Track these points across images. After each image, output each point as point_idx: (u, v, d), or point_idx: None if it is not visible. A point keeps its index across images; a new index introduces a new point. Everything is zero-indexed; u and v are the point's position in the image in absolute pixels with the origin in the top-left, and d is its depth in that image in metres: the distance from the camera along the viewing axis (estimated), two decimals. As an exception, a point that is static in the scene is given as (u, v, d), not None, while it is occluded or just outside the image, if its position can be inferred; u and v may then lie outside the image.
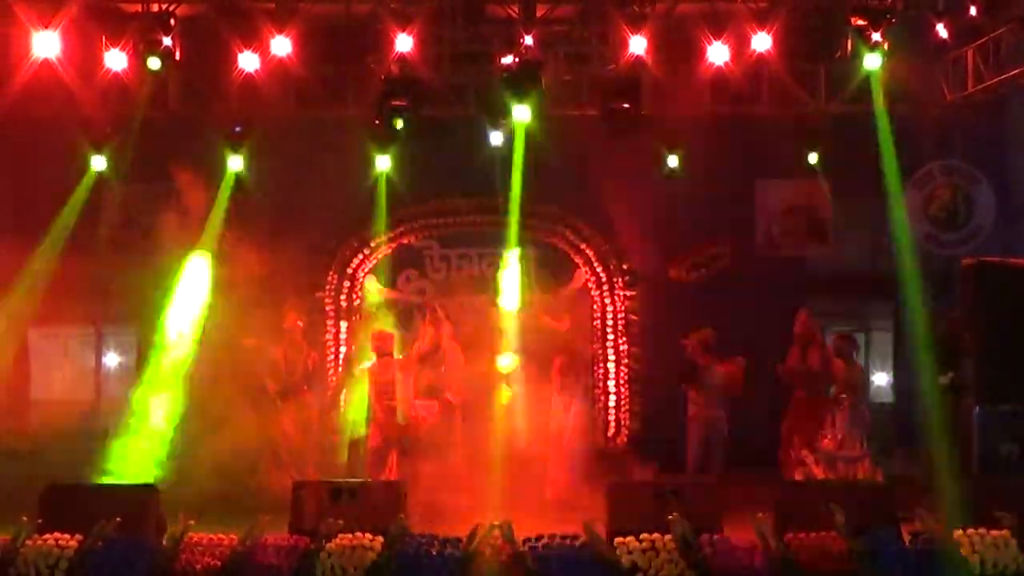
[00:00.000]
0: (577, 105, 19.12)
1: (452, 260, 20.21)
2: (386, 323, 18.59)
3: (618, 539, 13.13)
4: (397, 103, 17.81)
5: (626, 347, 19.63)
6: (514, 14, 17.60)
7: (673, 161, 18.92)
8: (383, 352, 17.69)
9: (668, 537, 13.04)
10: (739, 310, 18.45)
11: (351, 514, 13.60)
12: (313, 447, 18.08)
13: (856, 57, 17.38)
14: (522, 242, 19.02)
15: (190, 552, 12.95)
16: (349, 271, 19.68)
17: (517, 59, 17.34)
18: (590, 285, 19.82)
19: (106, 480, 16.74)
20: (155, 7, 17.16)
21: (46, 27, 16.72)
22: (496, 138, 18.87)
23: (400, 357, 17.80)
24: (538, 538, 13.20)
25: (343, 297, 19.66)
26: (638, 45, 17.29)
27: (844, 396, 17.17)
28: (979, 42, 18.50)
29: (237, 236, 18.06)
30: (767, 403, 17.91)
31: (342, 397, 18.94)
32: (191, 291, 18.41)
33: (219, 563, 12.85)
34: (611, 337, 19.69)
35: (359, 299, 19.72)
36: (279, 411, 17.83)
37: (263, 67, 17.58)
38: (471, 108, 18.76)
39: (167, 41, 16.86)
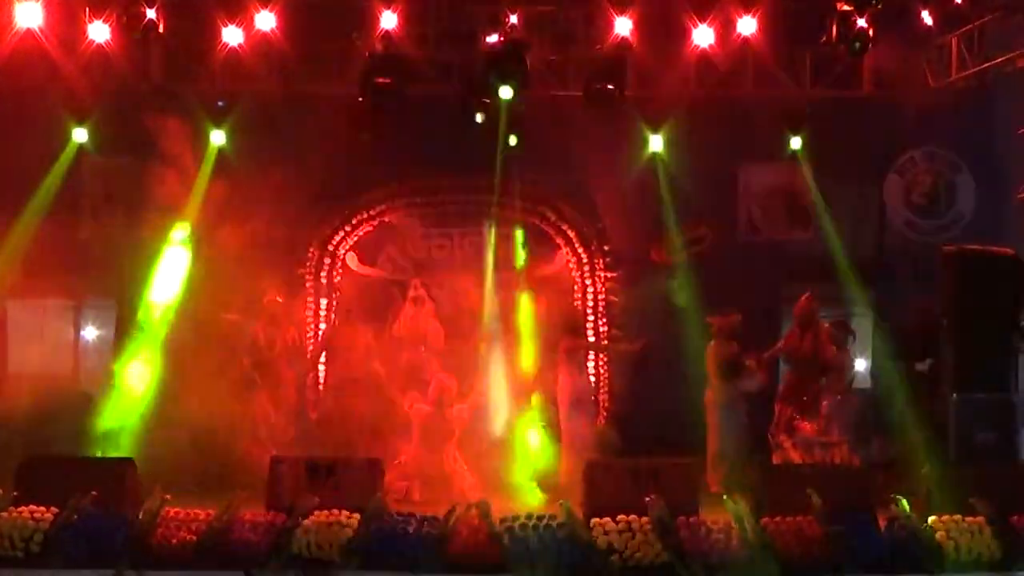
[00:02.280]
0: (561, 85, 19.11)
1: (433, 238, 20.11)
2: None
3: (595, 519, 13.17)
4: (381, 80, 17.77)
5: (606, 328, 19.60)
6: (500, -7, 17.59)
7: (657, 143, 18.94)
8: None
9: (645, 519, 13.08)
10: (720, 293, 18.41)
11: (328, 491, 13.63)
12: (290, 423, 18.04)
13: (841, 42, 17.38)
14: (504, 222, 19.03)
15: (166, 526, 12.97)
16: (330, 248, 19.62)
17: (502, 38, 17.32)
18: (571, 266, 19.78)
19: (88, 453, 16.70)
20: (139, -21, 17.11)
21: (29, -3, 16.69)
22: (479, 117, 18.84)
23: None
24: (515, 517, 13.22)
25: (323, 274, 19.60)
26: (623, 26, 17.31)
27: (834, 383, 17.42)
28: (963, 29, 18.55)
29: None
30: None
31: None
32: (171, 265, 18.37)
33: (195, 538, 12.87)
34: (591, 318, 19.64)
35: (339, 276, 19.67)
36: (257, 387, 17.78)
37: (247, 41, 17.58)
38: (455, 86, 18.73)
39: (151, 13, 16.82)
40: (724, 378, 17.68)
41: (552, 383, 17.84)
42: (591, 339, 19.48)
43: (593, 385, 19.20)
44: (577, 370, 18.03)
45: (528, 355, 18.18)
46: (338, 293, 19.54)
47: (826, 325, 17.90)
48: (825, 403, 17.37)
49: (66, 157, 18.64)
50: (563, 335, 17.98)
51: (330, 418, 17.94)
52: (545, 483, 16.89)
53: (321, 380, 19.12)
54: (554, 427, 17.62)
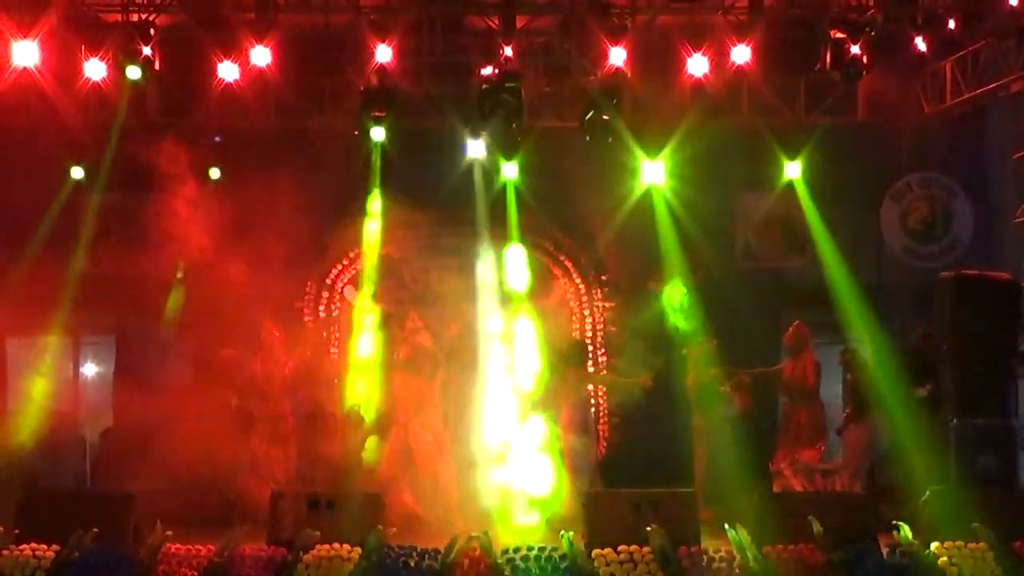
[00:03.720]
0: (557, 116, 19.16)
1: (431, 271, 20.09)
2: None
3: (596, 551, 13.15)
4: (376, 113, 17.83)
5: (604, 359, 19.57)
6: (494, 25, 17.64)
7: (653, 172, 18.92)
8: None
9: (646, 549, 13.06)
10: (718, 321, 18.41)
11: (329, 525, 13.62)
12: (291, 458, 18.03)
13: (835, 69, 17.41)
14: (501, 252, 19.00)
15: (167, 563, 12.95)
16: (328, 281, 19.61)
17: (497, 70, 17.35)
18: (569, 297, 19.77)
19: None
20: (135, 17, 17.17)
21: (25, 36, 16.71)
22: (475, 149, 18.90)
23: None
24: (516, 549, 13.20)
25: (321, 308, 19.59)
26: (618, 56, 17.32)
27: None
28: (957, 55, 18.61)
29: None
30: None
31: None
32: (171, 301, 18.41)
33: (196, 574, 12.85)
34: (590, 348, 19.62)
35: (337, 310, 19.64)
36: (255, 421, 17.78)
37: (242, 77, 17.58)
38: (450, 119, 18.77)
39: (147, 50, 16.88)
40: (701, 405, 17.70)
41: (555, 409, 17.81)
42: (590, 370, 19.46)
43: (594, 415, 19.24)
44: (583, 401, 18.05)
45: (533, 379, 18.10)
46: (335, 327, 19.49)
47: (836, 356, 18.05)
48: (844, 432, 17.52)
49: (63, 195, 18.67)
50: (568, 367, 17.95)
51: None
52: (551, 510, 16.89)
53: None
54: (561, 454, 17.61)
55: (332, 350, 19.36)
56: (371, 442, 17.65)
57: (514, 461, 17.37)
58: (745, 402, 17.71)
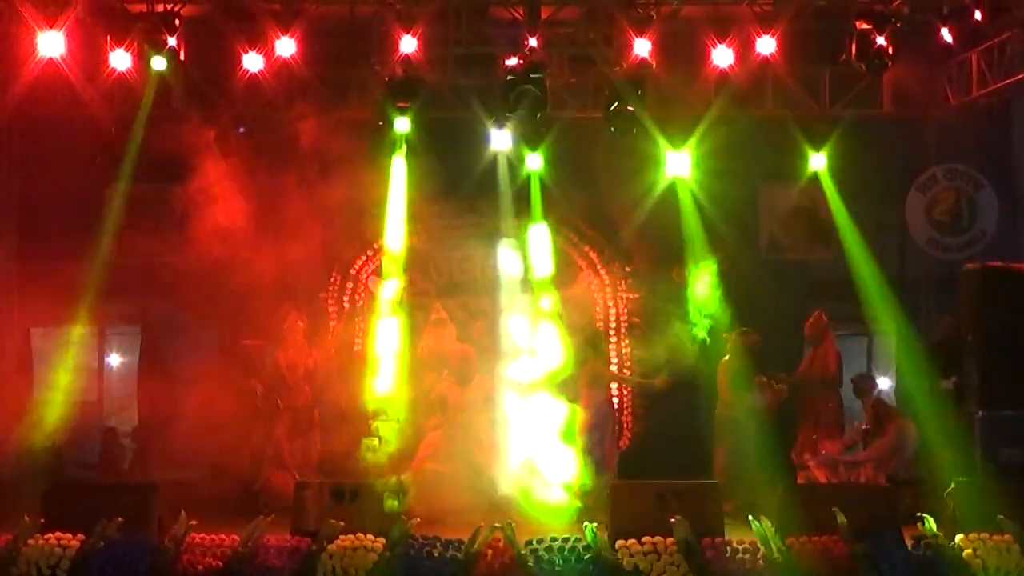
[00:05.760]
0: (581, 107, 19.14)
1: (455, 261, 20.08)
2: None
3: (620, 541, 13.16)
4: (401, 104, 17.84)
5: (628, 350, 19.56)
6: (518, 16, 17.61)
7: (678, 163, 18.88)
8: None
9: (670, 540, 13.07)
10: (742, 312, 18.39)
11: (353, 515, 13.63)
12: (315, 448, 18.07)
13: (860, 60, 17.36)
14: (524, 243, 18.99)
15: (191, 552, 12.99)
16: (352, 272, 19.61)
17: (521, 61, 17.34)
18: (593, 287, 19.75)
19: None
20: (160, 7, 17.18)
21: (51, 27, 16.74)
22: (499, 139, 18.90)
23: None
24: (540, 540, 13.21)
25: (345, 298, 19.59)
26: (643, 47, 17.30)
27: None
28: (984, 46, 18.52)
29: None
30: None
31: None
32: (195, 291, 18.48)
33: (221, 564, 12.89)
34: (614, 339, 19.63)
35: (361, 300, 19.64)
36: (279, 412, 17.82)
37: (267, 68, 17.60)
38: (475, 109, 18.77)
39: (172, 41, 16.90)
40: (732, 391, 17.69)
41: (575, 393, 17.85)
42: (614, 360, 19.46)
43: (617, 407, 19.24)
44: (600, 393, 18.05)
45: (556, 365, 18.11)
46: (359, 318, 19.49)
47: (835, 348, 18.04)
48: (860, 426, 17.48)
49: (89, 185, 18.74)
50: (586, 358, 17.98)
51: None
52: (581, 499, 16.92)
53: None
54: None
55: (356, 341, 19.39)
56: (373, 437, 17.64)
57: (538, 446, 17.43)
58: (775, 400, 17.71)
